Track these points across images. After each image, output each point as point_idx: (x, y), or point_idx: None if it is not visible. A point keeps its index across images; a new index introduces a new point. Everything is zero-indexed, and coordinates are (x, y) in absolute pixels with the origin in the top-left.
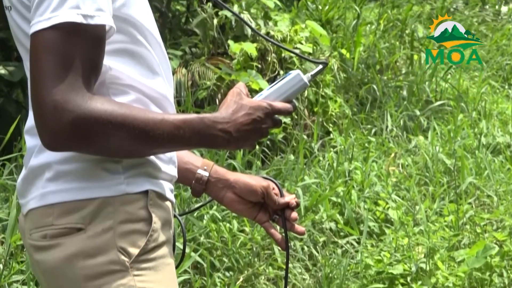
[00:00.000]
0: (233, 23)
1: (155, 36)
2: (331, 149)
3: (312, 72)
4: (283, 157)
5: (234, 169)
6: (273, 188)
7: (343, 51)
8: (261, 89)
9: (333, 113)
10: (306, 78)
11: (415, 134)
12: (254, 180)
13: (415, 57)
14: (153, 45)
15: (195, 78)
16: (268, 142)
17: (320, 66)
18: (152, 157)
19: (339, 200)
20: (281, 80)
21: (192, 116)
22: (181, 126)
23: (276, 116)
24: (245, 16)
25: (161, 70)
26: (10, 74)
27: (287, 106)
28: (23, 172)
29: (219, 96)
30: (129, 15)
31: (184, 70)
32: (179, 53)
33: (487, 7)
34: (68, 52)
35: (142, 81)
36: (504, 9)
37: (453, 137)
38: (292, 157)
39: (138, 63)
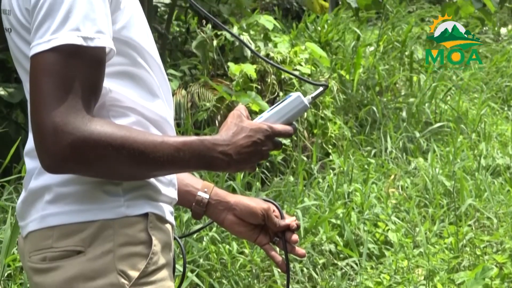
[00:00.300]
0: (236, 44)
1: (155, 58)
2: (331, 170)
3: (313, 94)
4: (283, 178)
5: (233, 190)
6: (274, 210)
7: (343, 72)
8: (261, 111)
9: (333, 135)
10: (306, 100)
11: (415, 156)
12: (255, 202)
13: (415, 78)
14: (153, 67)
15: (194, 99)
16: (267, 163)
17: (321, 88)
18: (152, 180)
19: (339, 222)
20: (281, 102)
21: (192, 138)
22: (181, 148)
23: (277, 138)
24: (245, 37)
25: (161, 92)
26: (9, 96)
27: (288, 128)
28: (23, 194)
29: (219, 117)
30: (130, 38)
31: (183, 92)
32: (178, 74)
33: (486, 28)
34: (68, 74)
35: (142, 103)
36: (503, 30)
37: (453, 159)
38: (291, 178)
39: (138, 85)
